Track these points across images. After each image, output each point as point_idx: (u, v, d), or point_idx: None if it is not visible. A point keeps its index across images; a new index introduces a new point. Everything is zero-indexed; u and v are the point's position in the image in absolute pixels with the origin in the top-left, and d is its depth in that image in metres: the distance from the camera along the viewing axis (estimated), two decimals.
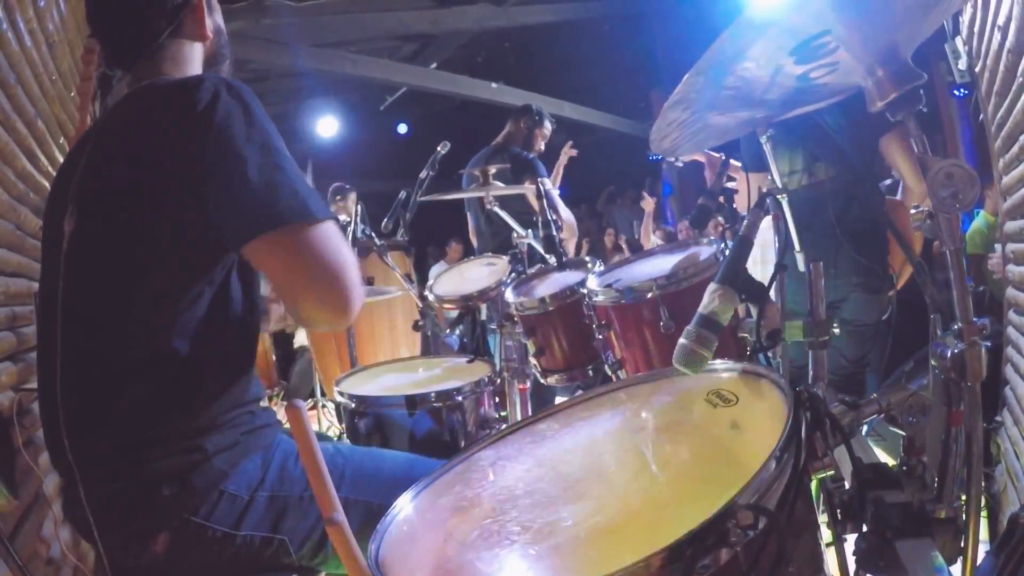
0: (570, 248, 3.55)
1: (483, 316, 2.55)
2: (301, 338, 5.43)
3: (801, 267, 2.25)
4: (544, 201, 2.30)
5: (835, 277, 2.43)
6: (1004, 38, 1.96)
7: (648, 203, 7.01)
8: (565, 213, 3.55)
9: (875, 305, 2.52)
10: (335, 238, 1.11)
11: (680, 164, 3.39)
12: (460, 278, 2.60)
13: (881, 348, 2.70)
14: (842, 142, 2.47)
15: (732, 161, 2.88)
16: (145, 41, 1.23)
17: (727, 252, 1.20)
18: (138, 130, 1.12)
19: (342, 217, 4.42)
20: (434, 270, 5.78)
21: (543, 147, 3.91)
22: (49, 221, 1.23)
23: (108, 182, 1.12)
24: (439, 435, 1.81)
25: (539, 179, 3.39)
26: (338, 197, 5.05)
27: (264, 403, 1.28)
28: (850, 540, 0.96)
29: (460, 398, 1.83)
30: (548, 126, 3.91)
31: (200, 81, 1.09)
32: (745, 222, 1.14)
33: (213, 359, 1.15)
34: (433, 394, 1.81)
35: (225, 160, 1.06)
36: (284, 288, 1.12)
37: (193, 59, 1.28)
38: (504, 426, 1.22)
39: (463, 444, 1.83)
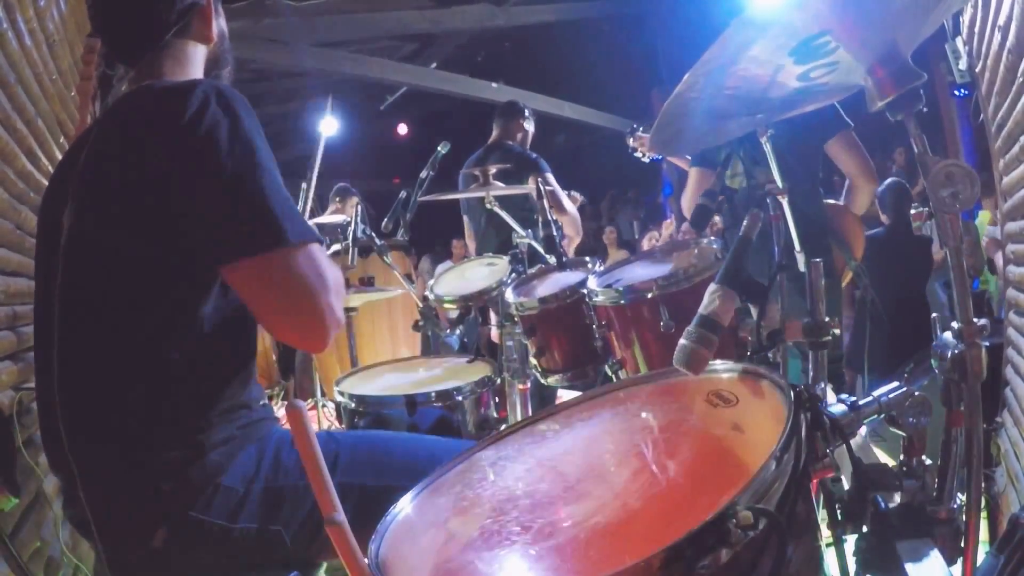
0: (571, 249, 3.55)
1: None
2: None
3: (801, 267, 2.26)
4: (544, 200, 2.30)
5: None
6: (1004, 38, 1.96)
7: (668, 225, 7.19)
8: (571, 209, 3.55)
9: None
10: (311, 263, 1.08)
11: (647, 160, 3.56)
12: (460, 278, 2.60)
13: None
14: (783, 148, 2.51)
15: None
16: (151, 38, 1.23)
17: (727, 252, 1.19)
18: (129, 134, 1.11)
19: (341, 218, 4.41)
20: (439, 269, 5.79)
21: None
22: (46, 215, 1.23)
23: (103, 181, 1.11)
24: (439, 435, 1.81)
25: (542, 175, 3.40)
26: (337, 199, 5.02)
27: (263, 402, 1.28)
28: (850, 540, 0.96)
29: (460, 398, 1.83)
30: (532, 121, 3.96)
31: (191, 88, 1.08)
32: (745, 222, 1.14)
33: (211, 362, 1.15)
34: (433, 394, 1.81)
35: (203, 176, 1.05)
36: (257, 312, 1.12)
37: (196, 60, 1.28)
38: (504, 426, 1.22)
39: None
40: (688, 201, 2.87)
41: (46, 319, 1.14)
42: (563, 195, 3.54)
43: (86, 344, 1.12)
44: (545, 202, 2.29)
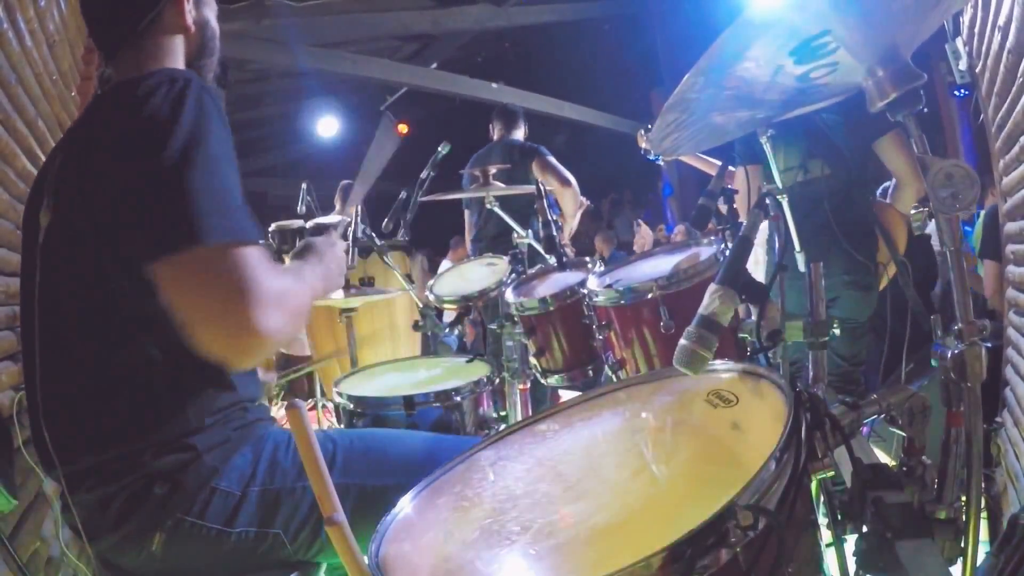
0: (567, 228, 3.63)
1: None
2: None
3: (801, 267, 2.25)
4: (543, 201, 2.30)
5: (827, 276, 2.43)
6: (1004, 39, 1.96)
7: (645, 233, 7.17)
8: (573, 182, 3.66)
9: (866, 302, 2.57)
10: (235, 267, 0.97)
11: (662, 163, 3.62)
12: (460, 278, 2.59)
13: (877, 346, 2.72)
14: (838, 140, 2.49)
15: (731, 167, 2.92)
16: (125, 29, 1.21)
17: (727, 252, 1.20)
18: (90, 131, 1.11)
19: (337, 218, 4.41)
20: (440, 269, 5.80)
21: None
22: (28, 214, 1.21)
23: (70, 180, 1.10)
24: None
25: (543, 159, 3.48)
26: (341, 198, 5.05)
27: (260, 402, 1.27)
28: (850, 540, 0.96)
29: (459, 398, 1.82)
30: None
31: (143, 80, 1.06)
32: (745, 222, 1.14)
33: (200, 361, 1.10)
34: (432, 394, 1.81)
35: (140, 171, 1.00)
36: (179, 319, 0.98)
37: (174, 52, 1.25)
38: (504, 426, 1.22)
39: None
40: (746, 202, 2.61)
41: (29, 321, 1.12)
42: (564, 170, 3.64)
43: (67, 345, 1.10)
44: (545, 202, 2.29)
